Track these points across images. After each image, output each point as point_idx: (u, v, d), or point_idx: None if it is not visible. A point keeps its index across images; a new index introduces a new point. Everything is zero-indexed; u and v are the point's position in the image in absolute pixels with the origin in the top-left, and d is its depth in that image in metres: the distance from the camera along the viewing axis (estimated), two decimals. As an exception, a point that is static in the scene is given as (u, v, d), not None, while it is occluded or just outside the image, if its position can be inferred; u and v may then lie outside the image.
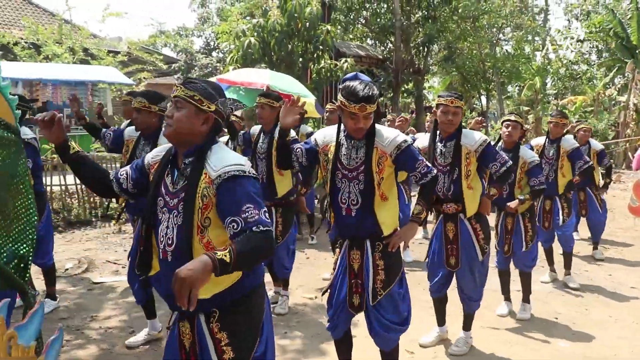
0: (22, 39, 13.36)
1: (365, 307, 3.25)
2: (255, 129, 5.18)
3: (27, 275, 1.79)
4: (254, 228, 2.00)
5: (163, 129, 2.28)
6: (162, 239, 2.22)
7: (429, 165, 3.24)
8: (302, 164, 3.33)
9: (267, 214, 2.09)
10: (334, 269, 3.36)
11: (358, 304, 3.25)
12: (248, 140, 5.20)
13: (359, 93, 2.94)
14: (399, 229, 3.26)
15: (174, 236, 2.18)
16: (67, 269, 6.44)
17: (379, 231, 3.16)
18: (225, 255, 1.83)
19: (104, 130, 4.87)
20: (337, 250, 3.36)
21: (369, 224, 3.14)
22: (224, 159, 2.19)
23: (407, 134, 8.55)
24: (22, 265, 1.77)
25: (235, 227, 2.02)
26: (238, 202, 2.06)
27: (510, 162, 4.14)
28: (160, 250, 2.24)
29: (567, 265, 6.15)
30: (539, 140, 6.13)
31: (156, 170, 2.34)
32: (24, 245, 1.78)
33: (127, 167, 2.49)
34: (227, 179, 2.12)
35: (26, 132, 4.47)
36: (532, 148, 5.84)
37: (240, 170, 2.14)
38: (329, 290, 3.37)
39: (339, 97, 3.06)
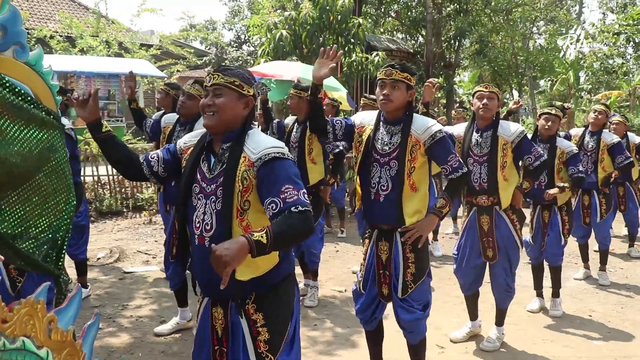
0: (56, 32, 13.54)
1: (392, 298, 3.25)
2: (290, 119, 5.28)
3: (62, 260, 1.80)
4: (292, 208, 2.01)
5: (203, 119, 2.25)
6: (198, 225, 2.22)
7: (461, 161, 3.21)
8: (338, 136, 3.30)
9: (306, 195, 2.09)
10: (364, 260, 3.36)
11: (387, 294, 3.25)
12: (282, 128, 5.27)
13: (388, 63, 3.08)
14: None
15: (212, 221, 2.18)
16: (99, 258, 6.54)
17: (402, 221, 3.13)
18: (262, 237, 1.85)
19: (145, 119, 4.99)
20: (367, 240, 3.35)
21: (395, 212, 3.12)
22: (263, 142, 2.21)
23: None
24: (55, 249, 1.78)
25: (274, 207, 2.04)
26: (277, 183, 2.07)
27: (545, 157, 4.11)
28: (197, 237, 2.23)
29: (603, 261, 6.03)
30: (578, 131, 6.03)
31: (190, 156, 2.33)
32: (60, 231, 1.78)
33: (159, 151, 2.49)
34: (267, 160, 2.13)
35: (65, 122, 4.51)
36: (570, 138, 5.77)
37: (280, 152, 2.17)
38: (360, 282, 3.36)
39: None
